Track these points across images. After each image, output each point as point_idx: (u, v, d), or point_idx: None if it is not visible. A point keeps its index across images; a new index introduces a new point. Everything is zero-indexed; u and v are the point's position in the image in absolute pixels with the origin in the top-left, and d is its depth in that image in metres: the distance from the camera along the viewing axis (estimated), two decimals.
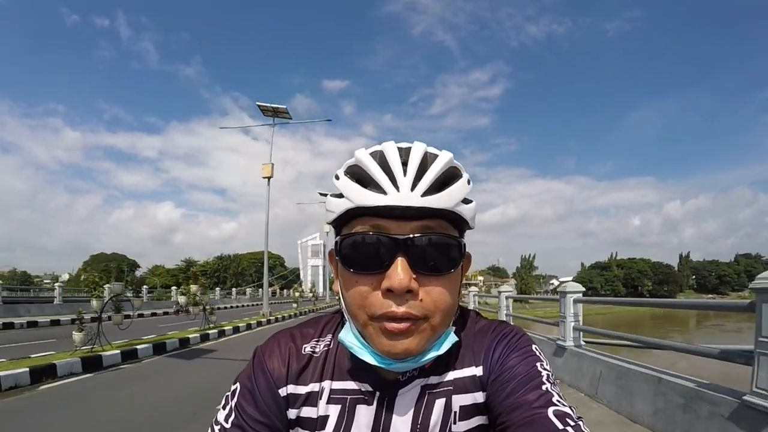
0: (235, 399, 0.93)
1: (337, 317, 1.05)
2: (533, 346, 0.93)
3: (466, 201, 0.85)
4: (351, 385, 0.93)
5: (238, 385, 0.96)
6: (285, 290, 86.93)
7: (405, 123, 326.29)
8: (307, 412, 0.94)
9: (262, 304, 33.89)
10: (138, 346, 12.77)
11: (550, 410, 0.76)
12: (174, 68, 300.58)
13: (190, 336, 16.05)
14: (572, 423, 0.74)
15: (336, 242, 0.87)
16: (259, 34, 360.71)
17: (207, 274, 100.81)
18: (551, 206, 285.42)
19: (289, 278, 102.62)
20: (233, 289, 69.88)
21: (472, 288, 19.92)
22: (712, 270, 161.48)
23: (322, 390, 0.95)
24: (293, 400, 0.94)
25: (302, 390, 0.95)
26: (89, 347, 11.73)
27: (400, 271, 0.78)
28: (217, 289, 59.24)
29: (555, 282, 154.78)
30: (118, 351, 11.85)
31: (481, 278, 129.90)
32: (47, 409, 7.48)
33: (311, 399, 0.95)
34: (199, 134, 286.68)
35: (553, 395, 0.80)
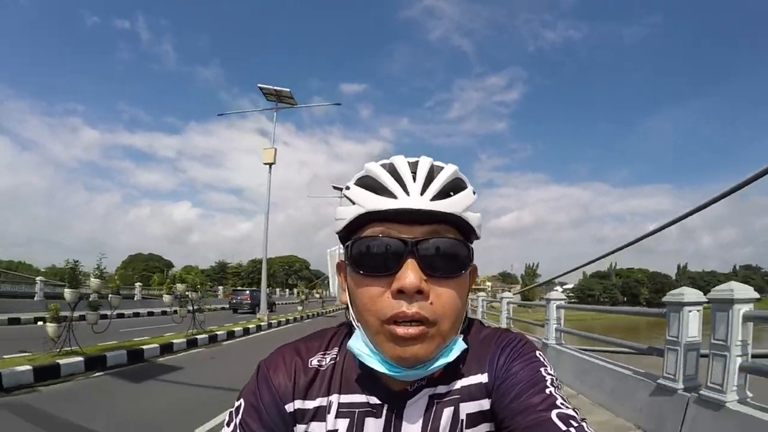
0: (240, 416, 0.93)
1: (342, 330, 1.05)
2: (537, 352, 0.94)
3: (472, 211, 0.89)
4: (359, 398, 0.94)
5: (242, 401, 0.96)
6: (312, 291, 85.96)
7: (422, 127, 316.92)
8: (316, 427, 0.94)
9: (292, 303, 34.35)
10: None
11: (554, 413, 0.78)
12: (193, 70, 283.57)
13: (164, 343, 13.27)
14: (576, 425, 0.76)
15: (347, 246, 0.89)
16: (277, 37, 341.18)
17: (241, 276, 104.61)
18: (566, 212, 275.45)
19: (315, 282, 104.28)
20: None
21: (481, 293, 20.48)
22: (710, 280, 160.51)
23: (330, 404, 0.95)
24: (301, 416, 0.94)
25: (310, 405, 0.95)
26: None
27: (410, 272, 0.80)
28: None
29: (559, 289, 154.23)
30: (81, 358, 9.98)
31: (489, 284, 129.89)
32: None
33: (320, 414, 0.94)
34: (216, 135, 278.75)
35: (556, 398, 0.82)
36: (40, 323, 10.90)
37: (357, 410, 0.94)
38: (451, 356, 0.89)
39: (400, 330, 0.81)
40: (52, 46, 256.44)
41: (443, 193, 0.86)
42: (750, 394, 4.68)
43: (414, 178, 0.86)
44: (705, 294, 5.35)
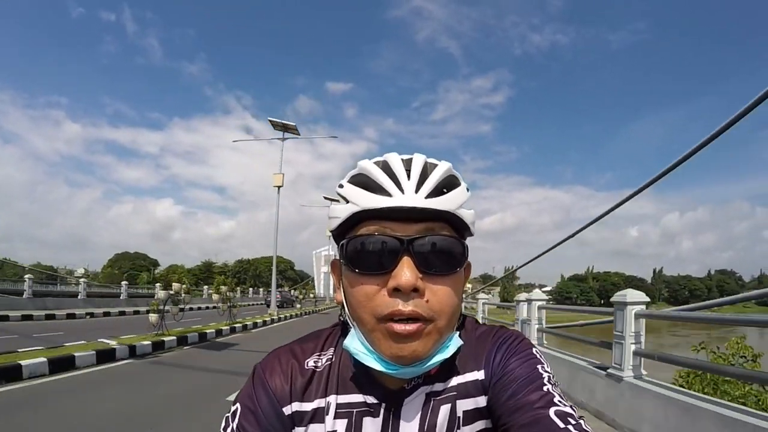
0: (236, 420, 0.90)
1: (337, 330, 1.03)
2: (533, 349, 0.93)
3: (466, 208, 0.87)
4: (356, 398, 0.92)
5: (238, 405, 0.93)
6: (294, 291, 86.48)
7: (407, 128, 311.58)
8: (314, 429, 0.92)
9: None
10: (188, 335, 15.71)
11: (552, 410, 0.77)
12: (178, 65, 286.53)
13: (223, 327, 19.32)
14: (573, 422, 0.75)
15: (342, 245, 0.87)
16: (264, 33, 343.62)
17: (227, 275, 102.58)
18: (549, 214, 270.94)
19: (300, 282, 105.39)
20: (250, 289, 74.25)
21: (481, 296, 19.53)
22: (684, 284, 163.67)
23: (328, 405, 0.93)
24: (299, 418, 0.92)
25: (308, 407, 0.93)
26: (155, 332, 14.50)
27: (406, 270, 0.78)
28: (238, 288, 61.64)
29: (538, 291, 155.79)
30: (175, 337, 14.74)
31: (469, 285, 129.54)
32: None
33: (318, 415, 0.92)
34: (200, 132, 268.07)
35: (554, 396, 0.81)
36: (151, 315, 15.07)
37: (355, 410, 0.93)
38: (448, 352, 0.89)
39: (398, 327, 0.80)
40: (37, 37, 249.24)
41: (437, 191, 0.86)
42: (645, 372, 6.26)
43: (408, 176, 0.85)
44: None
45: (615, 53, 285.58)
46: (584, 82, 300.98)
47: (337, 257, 0.92)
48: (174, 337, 14.76)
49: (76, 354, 10.50)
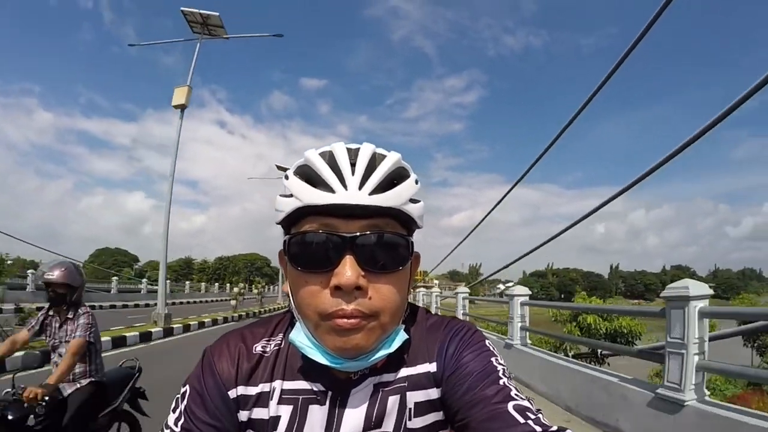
0: (185, 402, 0.90)
1: (288, 316, 1.02)
2: (486, 342, 0.93)
3: (413, 201, 0.86)
4: (303, 384, 0.91)
5: (187, 387, 0.93)
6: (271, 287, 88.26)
7: (380, 125, 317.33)
8: (258, 413, 0.91)
9: (253, 298, 38.32)
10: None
11: (510, 405, 0.77)
12: (154, 55, 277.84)
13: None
14: (533, 417, 0.74)
15: (284, 241, 0.86)
16: (240, 27, 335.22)
17: (207, 272, 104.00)
18: (518, 212, 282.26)
19: (275, 279, 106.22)
20: (227, 285, 71.75)
21: (435, 289, 19.87)
22: (640, 279, 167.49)
23: (273, 390, 0.92)
24: (244, 402, 0.92)
25: (252, 391, 0.92)
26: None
27: (348, 269, 0.78)
28: (217, 284, 61.33)
29: (501, 287, 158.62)
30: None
31: (437, 281, 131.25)
32: None
33: (262, 400, 0.92)
34: (174, 124, 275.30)
35: (510, 389, 0.81)
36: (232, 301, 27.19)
37: (301, 397, 0.91)
38: (393, 347, 0.88)
39: (340, 321, 0.79)
40: (11, 22, 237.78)
41: (383, 186, 0.82)
42: (707, 393, 4.41)
43: (353, 171, 0.82)
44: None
45: (586, 57, 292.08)
46: (555, 83, 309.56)
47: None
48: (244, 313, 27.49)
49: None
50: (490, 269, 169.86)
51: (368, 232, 0.81)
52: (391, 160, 0.85)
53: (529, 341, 9.19)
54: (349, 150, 0.85)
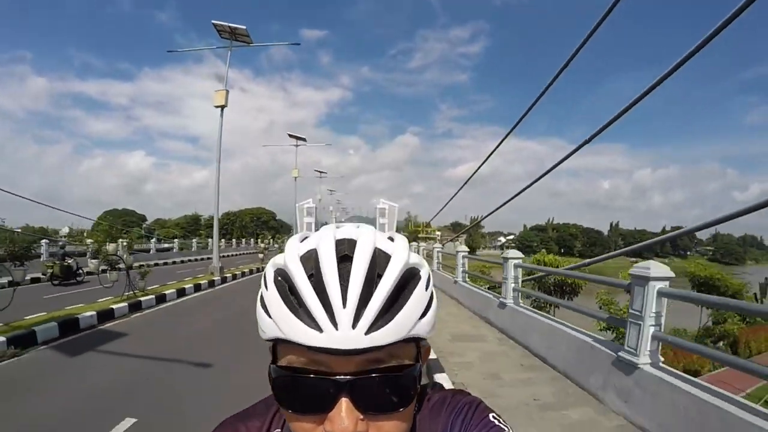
0: None
1: None
2: (491, 415, 0.84)
3: (424, 312, 0.72)
4: None
5: None
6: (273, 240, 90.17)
7: (383, 76, 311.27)
8: None
9: (259, 253, 36.95)
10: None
11: None
12: (148, 13, 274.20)
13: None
14: None
15: (269, 373, 0.73)
16: None
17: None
18: (522, 165, 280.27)
19: (280, 231, 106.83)
20: (233, 241, 74.34)
21: (437, 245, 20.47)
22: (639, 238, 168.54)
23: None
24: None
25: None
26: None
27: (343, 416, 0.66)
28: (223, 240, 62.23)
29: (502, 239, 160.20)
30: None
31: (438, 233, 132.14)
32: None
33: None
34: (172, 81, 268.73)
35: None
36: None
37: None
38: None
39: None
40: None
41: (384, 312, 0.68)
42: (662, 359, 5.14)
43: (344, 300, 0.66)
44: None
45: (598, 6, 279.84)
46: (564, 35, 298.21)
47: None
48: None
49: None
50: (490, 221, 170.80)
51: (366, 372, 0.69)
52: (394, 270, 0.69)
53: (521, 301, 9.84)
54: (340, 264, 0.69)
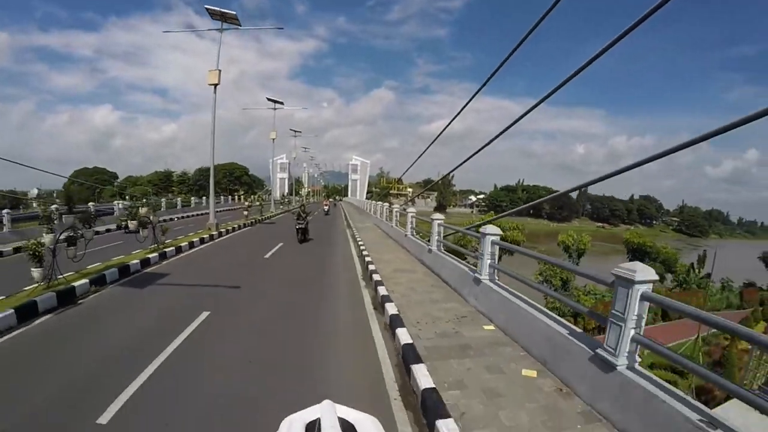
0: None
1: None
2: None
3: None
4: None
5: None
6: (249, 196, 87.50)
7: (359, 27, 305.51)
8: None
9: (244, 210, 37.77)
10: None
11: None
12: None
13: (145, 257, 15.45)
14: None
15: None
16: None
17: (187, 184, 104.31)
18: (498, 123, 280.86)
19: (253, 187, 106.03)
20: (204, 198, 69.40)
21: (411, 209, 19.93)
22: (606, 204, 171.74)
23: None
24: None
25: None
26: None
27: None
28: (194, 198, 61.00)
29: (473, 198, 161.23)
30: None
31: (410, 190, 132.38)
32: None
33: None
34: (140, 31, 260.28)
35: None
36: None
37: None
38: None
39: None
40: None
41: None
42: (639, 359, 5.15)
43: None
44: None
45: None
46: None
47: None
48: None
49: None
50: (462, 180, 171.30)
51: None
52: None
53: (496, 277, 9.69)
54: None
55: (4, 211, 22.16)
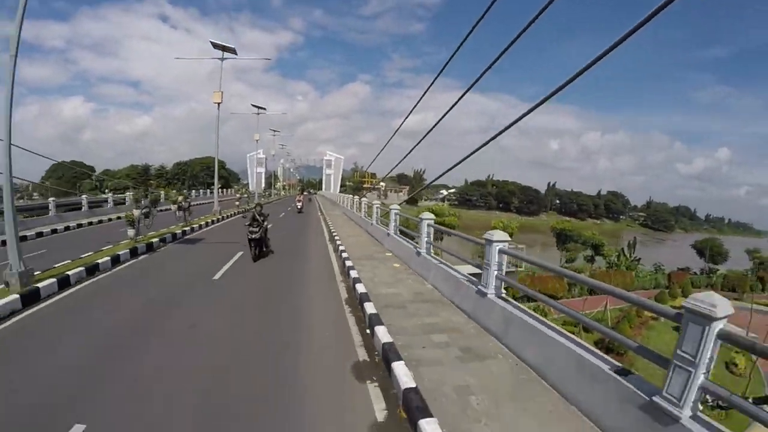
0: None
1: None
2: None
3: None
4: None
5: None
6: (226, 189, 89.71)
7: (336, 20, 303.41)
8: None
9: (236, 201, 46.41)
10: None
11: None
12: None
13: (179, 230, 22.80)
14: None
15: None
16: None
17: (165, 178, 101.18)
18: (473, 119, 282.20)
19: (232, 181, 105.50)
20: (192, 191, 69.42)
21: (394, 206, 18.32)
22: (574, 199, 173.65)
23: None
24: None
25: None
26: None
27: None
28: (174, 191, 61.07)
29: (444, 192, 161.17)
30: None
31: (383, 184, 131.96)
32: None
33: None
34: (111, 21, 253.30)
35: None
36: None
37: None
38: None
39: None
40: None
41: None
42: (504, 292, 7.49)
43: None
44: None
45: None
46: None
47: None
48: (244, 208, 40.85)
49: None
50: (434, 173, 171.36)
51: None
52: None
53: (504, 291, 8.41)
54: None
55: (50, 199, 28.68)
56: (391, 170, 24.05)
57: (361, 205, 28.12)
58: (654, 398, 4.42)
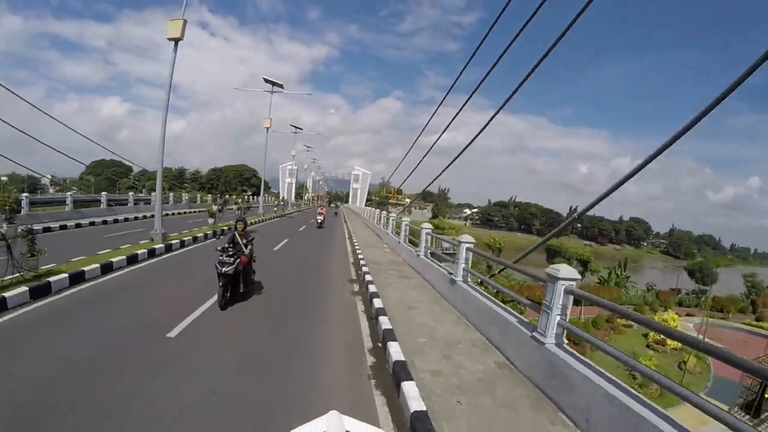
0: None
1: None
2: None
3: None
4: None
5: None
6: (255, 197, 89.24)
7: (372, 36, 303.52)
8: None
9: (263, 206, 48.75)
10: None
11: None
12: None
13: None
14: None
15: None
16: None
17: (200, 182, 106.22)
18: (501, 139, 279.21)
19: (264, 190, 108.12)
20: (226, 196, 71.79)
21: (425, 225, 16.70)
22: (595, 224, 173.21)
23: None
24: None
25: None
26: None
27: None
28: (210, 195, 63.74)
29: (467, 211, 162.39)
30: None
31: (408, 200, 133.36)
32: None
33: None
34: (152, 25, 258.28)
35: None
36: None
37: None
38: None
39: None
40: None
41: None
42: (566, 341, 6.42)
43: None
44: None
45: None
46: (559, 17, 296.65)
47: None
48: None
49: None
50: (459, 194, 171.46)
51: None
52: None
53: (469, 279, 11.00)
54: None
55: (153, 193, 32.81)
56: (423, 191, 26.50)
57: (389, 221, 25.35)
58: (533, 333, 6.78)
